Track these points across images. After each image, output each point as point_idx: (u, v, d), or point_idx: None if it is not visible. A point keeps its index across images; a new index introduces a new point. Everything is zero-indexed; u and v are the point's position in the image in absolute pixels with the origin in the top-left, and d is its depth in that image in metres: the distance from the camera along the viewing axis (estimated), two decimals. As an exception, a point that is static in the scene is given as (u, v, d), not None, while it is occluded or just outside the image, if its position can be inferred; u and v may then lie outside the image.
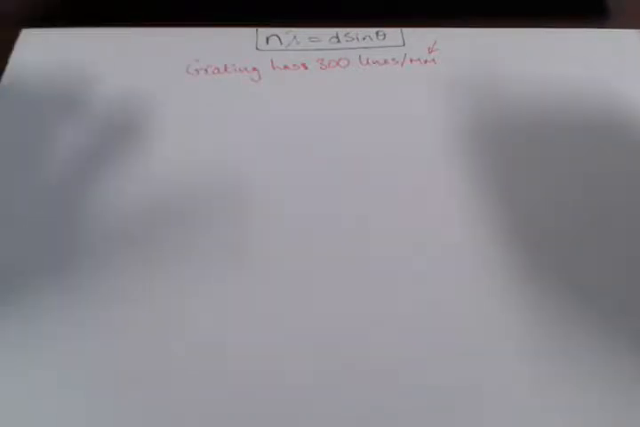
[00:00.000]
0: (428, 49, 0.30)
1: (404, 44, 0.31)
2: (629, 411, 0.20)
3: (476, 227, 0.24)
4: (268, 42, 0.31)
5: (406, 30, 0.31)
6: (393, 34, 0.31)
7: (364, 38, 0.31)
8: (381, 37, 0.31)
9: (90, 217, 0.23)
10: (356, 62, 0.30)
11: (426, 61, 0.30)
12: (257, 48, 0.30)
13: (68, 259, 0.22)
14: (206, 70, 0.29)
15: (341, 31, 0.31)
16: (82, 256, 0.22)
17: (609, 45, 0.31)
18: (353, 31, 0.31)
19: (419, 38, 0.31)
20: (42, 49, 0.29)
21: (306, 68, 0.30)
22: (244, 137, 0.26)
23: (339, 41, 0.31)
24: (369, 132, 0.27)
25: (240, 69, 0.29)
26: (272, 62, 0.30)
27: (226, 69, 0.29)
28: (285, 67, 0.30)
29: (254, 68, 0.29)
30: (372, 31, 0.31)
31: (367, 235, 0.24)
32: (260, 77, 0.29)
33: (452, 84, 0.29)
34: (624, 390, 0.20)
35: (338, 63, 0.30)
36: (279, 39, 0.31)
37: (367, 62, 0.30)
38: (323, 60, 0.30)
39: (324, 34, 0.31)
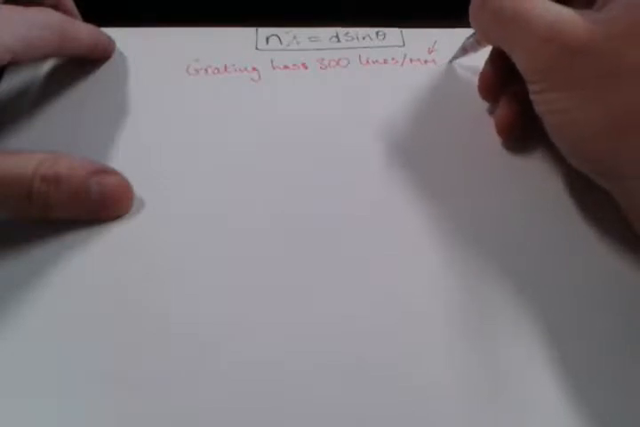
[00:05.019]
0: (428, 49, 0.30)
1: (403, 44, 0.31)
2: None
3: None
4: (267, 42, 0.31)
5: (406, 30, 0.31)
6: (393, 34, 0.31)
7: (363, 38, 0.31)
8: (381, 37, 0.31)
9: None
10: (356, 62, 0.30)
11: (426, 61, 0.30)
12: (257, 48, 0.30)
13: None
14: (206, 70, 0.29)
15: (341, 31, 0.31)
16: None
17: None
18: (353, 31, 0.31)
19: (419, 38, 0.31)
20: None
21: (306, 68, 0.30)
22: (243, 137, 0.26)
23: (339, 41, 0.31)
24: (369, 131, 0.27)
25: (240, 69, 0.29)
26: (272, 62, 0.30)
27: (226, 69, 0.29)
28: (285, 67, 0.30)
29: (254, 68, 0.29)
30: (371, 31, 0.31)
31: (373, 229, 0.24)
32: (259, 77, 0.29)
33: (451, 85, 0.29)
34: None
35: (338, 63, 0.30)
36: (279, 39, 0.31)
37: (367, 62, 0.30)
38: (323, 59, 0.30)
39: (324, 34, 0.31)
